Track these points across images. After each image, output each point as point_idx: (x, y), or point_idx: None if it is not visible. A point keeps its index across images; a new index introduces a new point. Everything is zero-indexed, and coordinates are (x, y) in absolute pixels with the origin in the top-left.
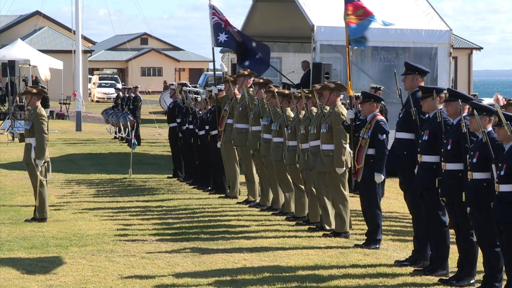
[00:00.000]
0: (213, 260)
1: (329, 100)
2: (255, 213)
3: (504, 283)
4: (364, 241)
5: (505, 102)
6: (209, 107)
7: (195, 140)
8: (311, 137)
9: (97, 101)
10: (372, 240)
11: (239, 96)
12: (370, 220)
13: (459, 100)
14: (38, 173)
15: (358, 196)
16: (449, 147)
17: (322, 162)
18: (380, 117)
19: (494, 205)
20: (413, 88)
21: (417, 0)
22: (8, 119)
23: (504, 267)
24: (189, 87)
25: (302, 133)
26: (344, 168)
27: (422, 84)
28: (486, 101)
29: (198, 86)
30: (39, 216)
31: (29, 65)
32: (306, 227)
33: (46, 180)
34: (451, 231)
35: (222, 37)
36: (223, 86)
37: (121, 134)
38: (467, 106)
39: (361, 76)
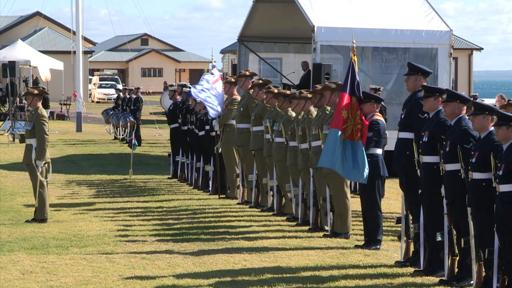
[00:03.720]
0: (214, 261)
1: (330, 100)
2: (256, 213)
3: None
4: (364, 242)
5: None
6: None
7: (195, 140)
8: (313, 137)
9: (97, 102)
10: (372, 240)
11: (238, 97)
12: (370, 220)
13: (458, 101)
14: (39, 174)
15: (358, 196)
16: (447, 149)
17: None
18: (376, 117)
19: (496, 206)
20: (416, 89)
21: (418, 1)
22: (8, 120)
23: (504, 267)
24: (190, 88)
25: (299, 134)
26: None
27: (424, 84)
28: (487, 101)
29: None
30: (39, 217)
31: (30, 66)
32: (306, 228)
33: (46, 181)
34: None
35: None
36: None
37: (120, 134)
38: (465, 107)
39: (361, 76)
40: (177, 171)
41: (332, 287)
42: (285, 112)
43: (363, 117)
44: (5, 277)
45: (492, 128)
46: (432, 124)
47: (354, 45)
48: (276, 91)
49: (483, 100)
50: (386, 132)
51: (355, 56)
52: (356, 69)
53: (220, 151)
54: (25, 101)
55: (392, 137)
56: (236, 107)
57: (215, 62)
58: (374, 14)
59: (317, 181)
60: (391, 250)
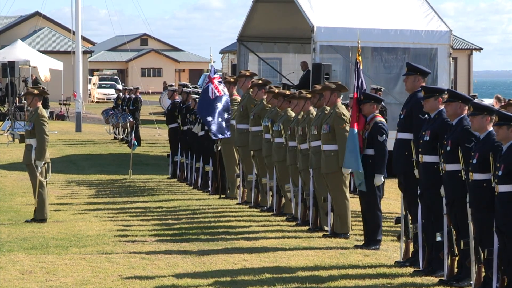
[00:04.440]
0: (213, 261)
1: (329, 100)
2: (255, 213)
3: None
4: (364, 242)
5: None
6: None
7: (194, 140)
8: (312, 137)
9: (97, 102)
10: (372, 240)
11: (237, 97)
12: (370, 221)
13: (459, 101)
14: (38, 174)
15: (358, 197)
16: (448, 148)
17: (325, 163)
18: (379, 118)
19: (495, 207)
20: (414, 89)
21: (417, 1)
22: (8, 120)
23: (503, 267)
24: (190, 88)
25: (299, 134)
26: (350, 169)
27: (423, 85)
28: (486, 101)
29: (198, 86)
30: (39, 217)
31: (29, 66)
32: (306, 228)
33: (46, 181)
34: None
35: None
36: None
37: (120, 134)
38: (467, 107)
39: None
40: (176, 171)
41: (331, 287)
42: (285, 112)
43: (362, 119)
44: (4, 277)
45: (491, 128)
46: (435, 123)
47: (359, 46)
48: (276, 91)
49: (482, 100)
50: None
51: (360, 57)
52: (361, 68)
53: (219, 149)
54: (25, 101)
55: (391, 137)
56: (236, 108)
57: (214, 62)
58: (373, 14)
59: (317, 181)
60: (391, 250)
